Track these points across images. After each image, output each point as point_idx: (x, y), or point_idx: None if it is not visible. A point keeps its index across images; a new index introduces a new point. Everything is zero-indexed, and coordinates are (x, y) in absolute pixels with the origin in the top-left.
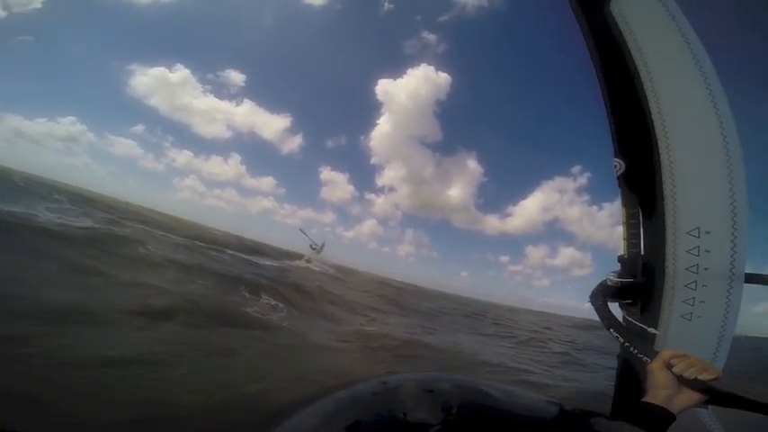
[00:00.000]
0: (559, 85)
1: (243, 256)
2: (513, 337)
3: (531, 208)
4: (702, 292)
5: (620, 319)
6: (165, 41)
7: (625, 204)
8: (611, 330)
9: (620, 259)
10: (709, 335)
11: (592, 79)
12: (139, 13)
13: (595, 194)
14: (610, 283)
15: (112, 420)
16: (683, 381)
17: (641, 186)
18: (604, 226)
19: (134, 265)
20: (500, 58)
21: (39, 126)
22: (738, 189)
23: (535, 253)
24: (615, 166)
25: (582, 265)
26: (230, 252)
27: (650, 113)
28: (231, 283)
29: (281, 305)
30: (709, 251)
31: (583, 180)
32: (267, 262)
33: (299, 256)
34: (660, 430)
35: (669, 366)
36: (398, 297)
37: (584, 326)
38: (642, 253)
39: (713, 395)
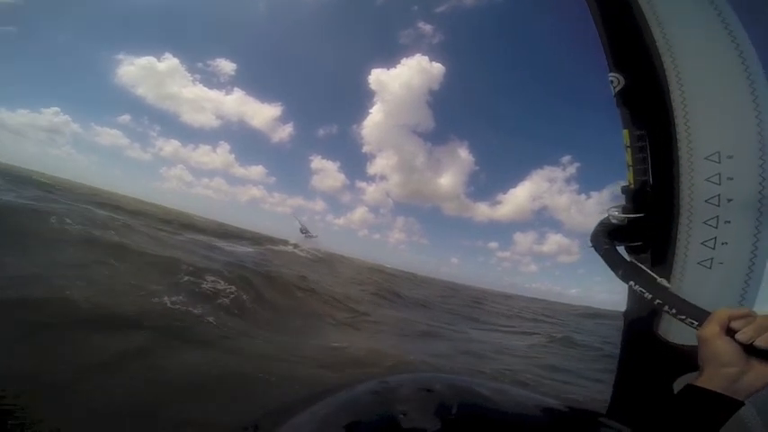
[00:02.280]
0: (552, 78)
1: (206, 238)
2: (534, 334)
3: (520, 196)
4: (725, 230)
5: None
6: (154, 30)
7: (627, 126)
8: (632, 283)
9: (625, 190)
10: (732, 287)
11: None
12: (128, 1)
13: (584, 184)
14: (614, 221)
15: None
16: (753, 351)
17: (646, 103)
18: (592, 213)
19: (24, 241)
20: (494, 48)
21: (20, 117)
22: (763, 103)
23: (523, 239)
24: (612, 82)
25: (569, 252)
26: (190, 236)
27: (644, 18)
28: (165, 268)
29: (230, 295)
30: (732, 178)
31: (572, 170)
32: (241, 247)
33: (285, 242)
34: (719, 423)
35: (730, 332)
36: (390, 284)
37: (587, 314)
38: (651, 182)
39: None
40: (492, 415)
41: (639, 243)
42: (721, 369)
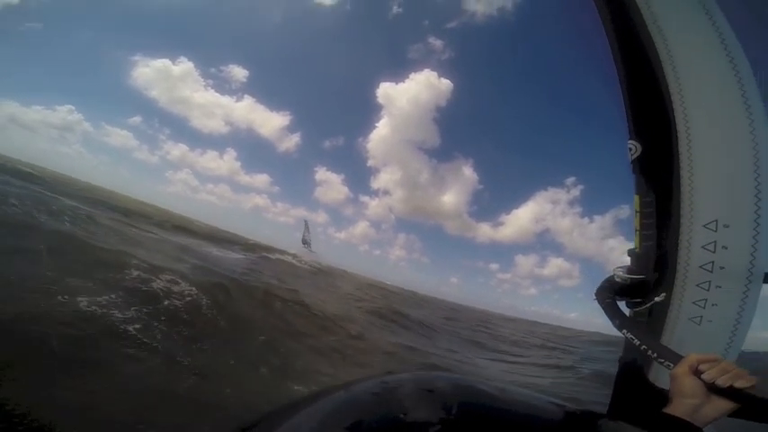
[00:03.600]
0: (561, 99)
1: (194, 241)
2: (553, 366)
3: (523, 217)
4: (715, 293)
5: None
6: (171, 33)
7: (639, 191)
8: (624, 332)
9: (631, 253)
10: (717, 342)
11: (605, 64)
12: (149, 4)
13: (587, 207)
14: (618, 279)
15: None
16: (713, 389)
17: (657, 172)
18: (594, 238)
19: None
20: (504, 67)
21: (34, 114)
22: (764, 178)
23: (525, 262)
24: (630, 149)
25: (570, 276)
26: (175, 237)
27: (669, 92)
28: (110, 262)
29: (185, 298)
30: (726, 247)
31: (576, 192)
32: (232, 253)
33: (284, 252)
34: None
35: (697, 372)
36: (389, 302)
37: (599, 341)
38: (655, 247)
39: (749, 404)
40: (493, 414)
41: (639, 300)
42: (685, 400)
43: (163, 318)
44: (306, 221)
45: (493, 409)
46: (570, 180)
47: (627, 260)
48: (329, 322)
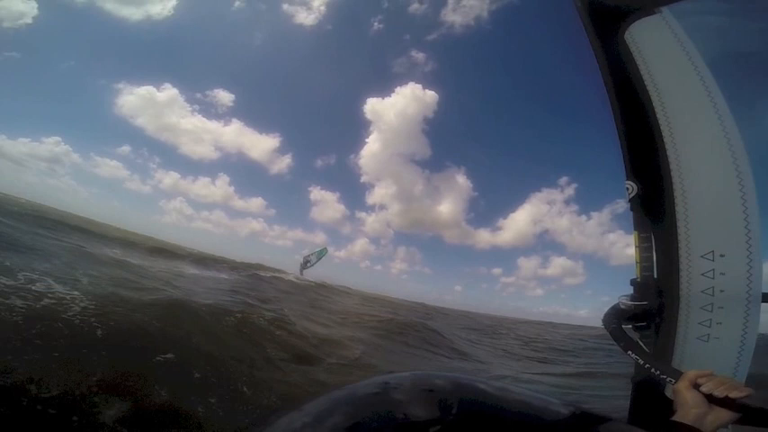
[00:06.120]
0: (545, 100)
1: (169, 263)
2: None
3: (521, 220)
4: (719, 313)
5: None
6: (154, 60)
7: (637, 228)
8: (630, 353)
9: (633, 282)
10: (727, 355)
11: (600, 101)
12: (129, 32)
13: (583, 204)
14: (623, 307)
15: None
16: (713, 400)
17: (654, 210)
18: (593, 235)
19: None
20: (486, 73)
21: (21, 146)
22: (752, 212)
23: (527, 264)
24: (627, 189)
25: (574, 273)
26: (120, 255)
27: (662, 137)
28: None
29: (50, 306)
30: (724, 274)
31: (570, 191)
32: (209, 272)
33: (282, 272)
34: None
35: (696, 386)
36: (396, 317)
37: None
38: (655, 276)
39: (746, 413)
40: (494, 413)
41: (644, 323)
42: (690, 410)
43: None
44: (326, 248)
45: (494, 408)
46: (563, 180)
47: (630, 263)
48: (314, 344)
